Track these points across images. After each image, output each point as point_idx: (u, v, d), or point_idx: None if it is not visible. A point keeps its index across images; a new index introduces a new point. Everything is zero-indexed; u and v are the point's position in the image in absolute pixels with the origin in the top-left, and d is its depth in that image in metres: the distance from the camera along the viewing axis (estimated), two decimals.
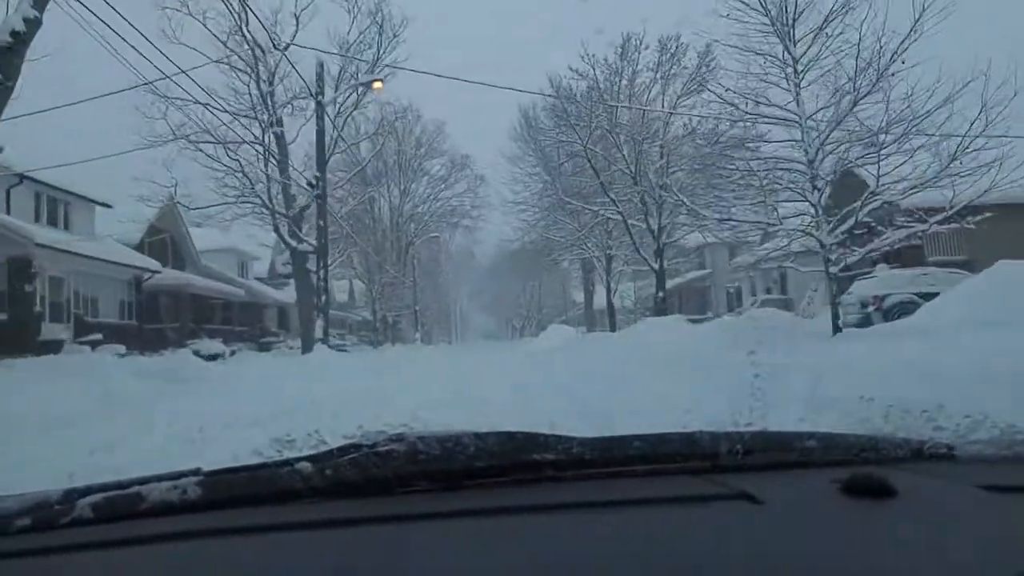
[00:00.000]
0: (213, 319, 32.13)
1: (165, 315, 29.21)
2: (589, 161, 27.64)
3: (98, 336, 21.56)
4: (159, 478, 1.05)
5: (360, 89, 29.73)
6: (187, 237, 32.92)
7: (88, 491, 1.02)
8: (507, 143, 52.65)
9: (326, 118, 27.33)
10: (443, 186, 57.67)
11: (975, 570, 0.83)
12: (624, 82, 28.94)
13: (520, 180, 52.90)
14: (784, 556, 0.88)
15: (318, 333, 24.55)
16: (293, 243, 28.67)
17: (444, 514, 0.99)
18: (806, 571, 0.84)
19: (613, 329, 35.83)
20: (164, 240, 30.84)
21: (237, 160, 28.07)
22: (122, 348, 20.67)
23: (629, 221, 29.49)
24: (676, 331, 17.73)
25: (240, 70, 26.76)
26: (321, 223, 25.08)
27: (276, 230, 29.45)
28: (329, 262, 36.86)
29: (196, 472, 1.07)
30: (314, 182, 25.28)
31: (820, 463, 1.22)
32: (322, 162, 24.96)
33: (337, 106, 31.73)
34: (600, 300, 59.08)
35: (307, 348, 26.37)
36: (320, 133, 24.49)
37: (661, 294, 27.46)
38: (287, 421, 4.86)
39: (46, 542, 0.93)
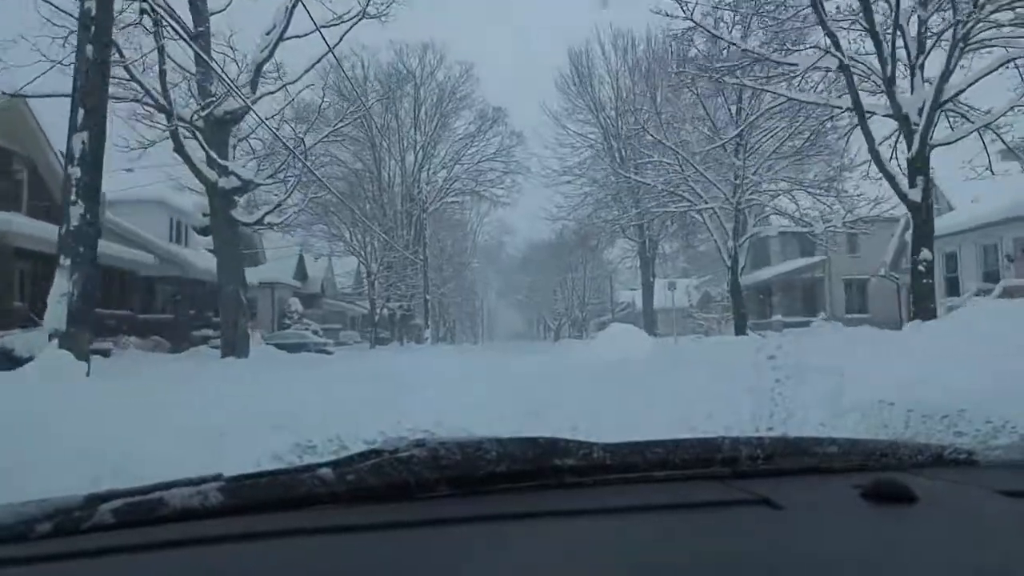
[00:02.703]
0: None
1: None
2: None
3: None
4: (180, 483, 1.09)
5: None
6: (55, 166, 21.67)
7: (110, 496, 1.06)
8: (552, 96, 47.97)
9: None
10: (470, 145, 46.68)
11: None
12: None
13: (567, 143, 43.47)
14: (805, 562, 0.92)
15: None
16: (212, 175, 17.88)
17: (465, 519, 1.04)
18: None
19: (741, 330, 20.63)
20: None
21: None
22: None
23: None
24: None
25: None
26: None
27: (175, 145, 17.68)
28: (275, 201, 22.58)
29: (217, 478, 1.11)
30: None
31: (841, 469, 1.25)
32: None
33: None
34: (663, 299, 44.54)
35: (233, 348, 17.33)
36: None
37: (926, 255, 10.95)
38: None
39: (68, 547, 0.96)
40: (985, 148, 16.27)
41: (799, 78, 16.33)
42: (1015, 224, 22.45)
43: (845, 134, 19.00)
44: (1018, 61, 14.35)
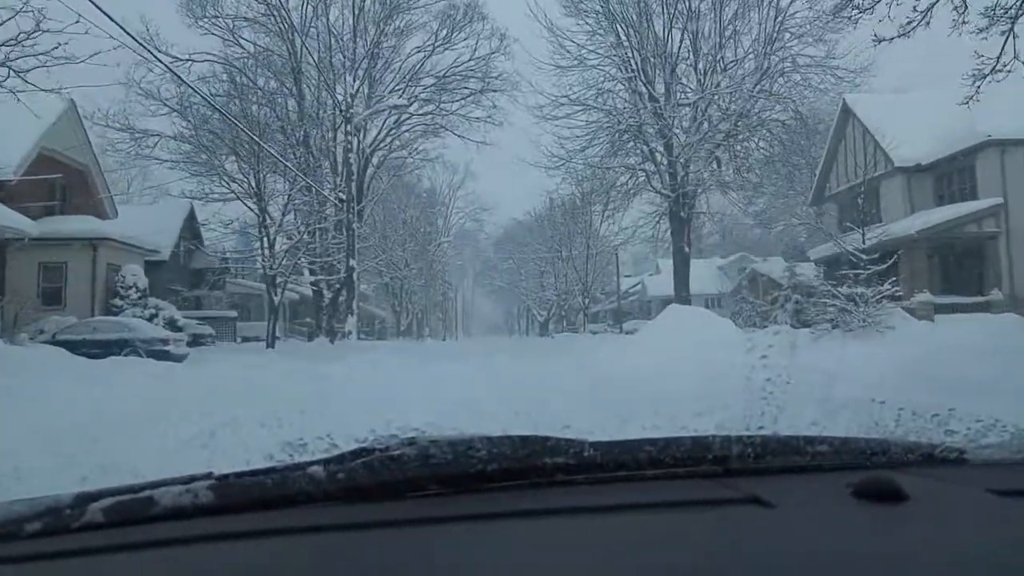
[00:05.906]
0: None
1: None
2: None
3: None
4: (171, 482, 1.08)
5: None
6: None
7: (100, 495, 1.05)
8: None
9: None
10: (431, 54, 34.97)
11: (986, 574, 0.87)
12: None
13: (569, 57, 31.42)
14: (795, 560, 0.92)
15: None
16: None
17: (456, 518, 1.04)
18: (817, 575, 0.90)
19: None
20: None
21: None
22: None
23: None
24: None
25: None
26: None
27: None
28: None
29: (208, 476, 1.10)
30: None
31: (831, 467, 1.25)
32: None
33: None
34: (703, 284, 40.34)
35: None
36: None
37: None
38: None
39: (58, 546, 0.95)
40: None
41: None
42: None
43: None
44: None
